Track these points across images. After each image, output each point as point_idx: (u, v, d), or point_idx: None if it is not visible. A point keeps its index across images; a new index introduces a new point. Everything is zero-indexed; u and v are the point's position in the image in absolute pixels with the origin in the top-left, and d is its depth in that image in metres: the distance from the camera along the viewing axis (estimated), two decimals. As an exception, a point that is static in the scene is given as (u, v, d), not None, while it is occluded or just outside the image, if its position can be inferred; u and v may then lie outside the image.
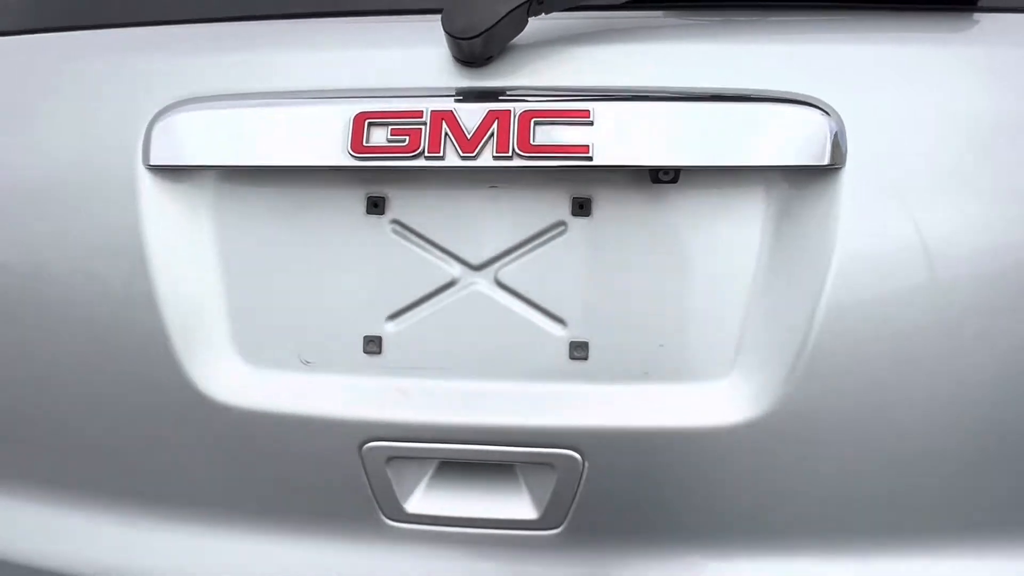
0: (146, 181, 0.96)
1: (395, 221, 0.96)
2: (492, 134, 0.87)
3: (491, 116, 0.87)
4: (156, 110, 0.97)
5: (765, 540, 0.93)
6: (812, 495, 0.91)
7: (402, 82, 0.93)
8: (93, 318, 0.98)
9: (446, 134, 0.87)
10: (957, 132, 0.88)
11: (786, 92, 0.88)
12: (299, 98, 0.94)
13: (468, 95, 0.91)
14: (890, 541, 0.92)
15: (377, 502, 0.96)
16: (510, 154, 0.86)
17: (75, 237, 0.98)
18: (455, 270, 0.95)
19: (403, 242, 0.96)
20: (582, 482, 0.92)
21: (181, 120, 0.95)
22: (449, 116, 0.88)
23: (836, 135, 0.86)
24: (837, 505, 0.91)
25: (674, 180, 0.90)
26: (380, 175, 0.96)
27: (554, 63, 0.92)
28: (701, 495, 0.92)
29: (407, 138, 0.88)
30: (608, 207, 0.93)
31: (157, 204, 0.97)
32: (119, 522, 1.04)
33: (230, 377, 0.97)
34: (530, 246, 0.94)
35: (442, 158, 0.87)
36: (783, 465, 0.90)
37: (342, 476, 0.95)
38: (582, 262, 0.94)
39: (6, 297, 1.00)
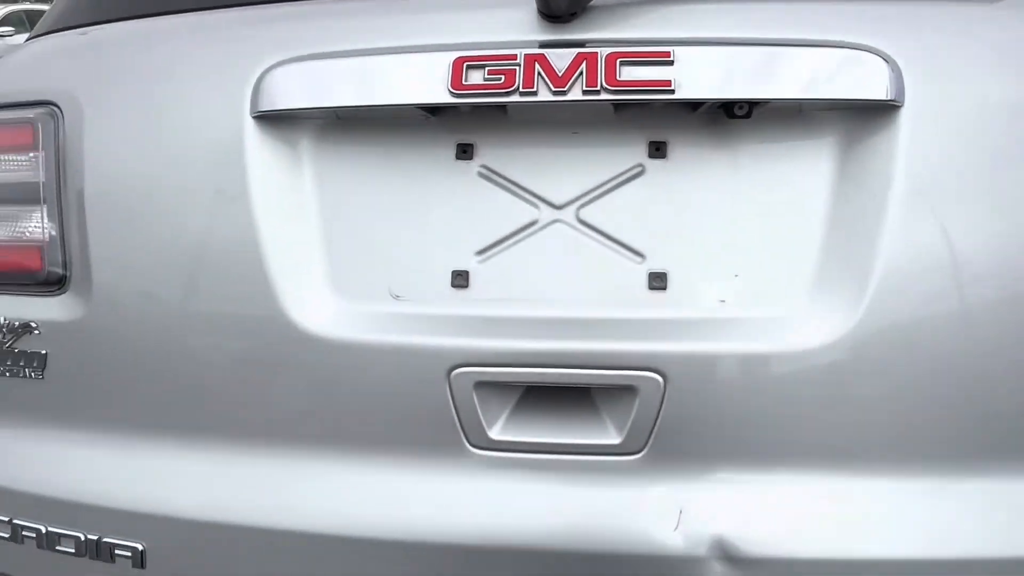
0: (252, 131, 1.04)
1: (483, 166, 1.03)
2: (581, 73, 0.95)
3: (579, 57, 0.95)
4: (263, 69, 1.06)
5: (840, 459, 0.95)
6: (884, 414, 0.94)
7: (494, 38, 1.02)
8: (201, 257, 1.04)
9: (539, 73, 0.95)
10: (1007, 78, 0.95)
11: (850, 42, 0.96)
12: (398, 52, 1.03)
13: (557, 44, 0.99)
14: (958, 459, 0.94)
15: (463, 429, 0.99)
16: (598, 88, 0.94)
17: (189, 185, 1.06)
18: (539, 209, 1.02)
19: (490, 185, 1.03)
20: (663, 405, 0.95)
21: (287, 71, 1.04)
22: (541, 58, 0.96)
23: (894, 77, 0.94)
24: (909, 424, 0.94)
25: (747, 115, 0.97)
26: (469, 124, 1.04)
27: (633, 18, 1.01)
28: (778, 416, 0.95)
29: (502, 77, 0.96)
30: (683, 148, 1.01)
31: (261, 152, 1.04)
32: (213, 459, 1.07)
33: (324, 311, 1.03)
34: (610, 186, 1.01)
35: (535, 93, 0.95)
36: (855, 386, 0.94)
37: (430, 404, 0.99)
38: (659, 200, 1.00)
39: (126, 241, 1.07)
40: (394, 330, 1.01)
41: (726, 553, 0.95)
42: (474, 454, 1.00)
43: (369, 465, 1.03)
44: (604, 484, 0.98)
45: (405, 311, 1.02)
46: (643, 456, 0.97)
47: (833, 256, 0.96)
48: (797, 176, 0.98)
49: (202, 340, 1.06)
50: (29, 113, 1.15)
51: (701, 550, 0.95)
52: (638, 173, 1.01)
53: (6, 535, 1.15)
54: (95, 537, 1.09)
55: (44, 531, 1.12)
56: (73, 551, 1.11)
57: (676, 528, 0.95)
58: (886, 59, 0.95)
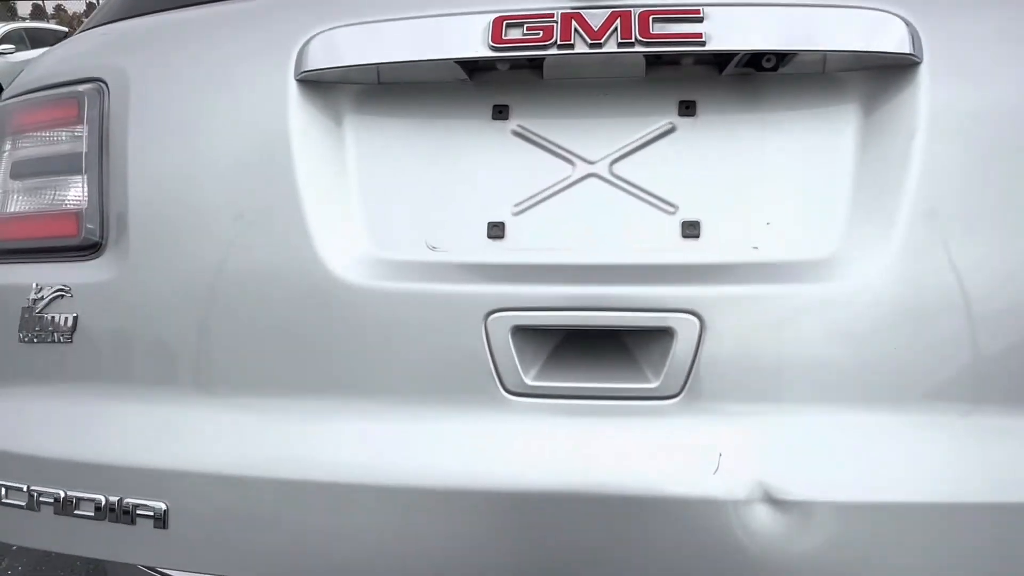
0: (295, 96, 1.08)
1: (519, 125, 1.07)
2: (615, 28, 0.99)
3: (614, 15, 1.00)
4: (307, 37, 1.10)
5: (878, 398, 0.95)
6: (921, 352, 0.94)
7: (530, 4, 1.07)
8: (242, 216, 1.06)
9: (575, 28, 1.00)
10: (1019, 32, 1.00)
11: (871, 6, 1.02)
12: (439, 16, 1.08)
13: (591, 6, 1.04)
14: (1001, 399, 0.94)
15: (498, 375, 0.99)
16: (632, 41, 0.99)
17: (234, 149, 1.09)
18: (573, 165, 1.05)
19: (525, 143, 1.07)
20: (700, 348, 0.96)
21: (330, 36, 1.08)
22: (577, 16, 1.01)
23: (914, 35, 0.99)
24: (944, 362, 0.94)
25: (775, 68, 1.02)
26: (504, 86, 1.08)
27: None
28: (815, 356, 0.95)
29: (540, 32, 1.00)
30: (712, 107, 1.05)
31: (304, 115, 1.08)
32: (244, 414, 1.06)
33: (362, 262, 1.04)
34: (641, 143, 1.05)
35: (572, 47, 1.00)
36: (893, 325, 0.95)
37: (466, 350, 0.99)
38: (690, 156, 1.04)
39: (167, 203, 1.10)
40: (431, 278, 1.02)
41: (766, 496, 0.93)
42: (510, 400, 0.99)
43: (403, 415, 1.02)
44: (641, 429, 0.98)
45: (442, 260, 1.03)
46: (680, 400, 0.97)
47: (863, 203, 0.99)
48: (823, 131, 1.02)
49: (241, 296, 1.07)
50: (79, 88, 1.19)
51: (740, 493, 0.94)
52: (669, 130, 1.05)
53: (22, 503, 1.12)
54: (116, 499, 1.07)
55: (63, 496, 1.10)
56: (92, 515, 1.08)
57: (715, 471, 0.94)
58: (905, 21, 1.00)
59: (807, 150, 1.02)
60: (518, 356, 0.99)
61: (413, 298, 1.01)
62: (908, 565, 0.93)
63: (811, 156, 1.01)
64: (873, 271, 0.95)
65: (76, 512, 1.09)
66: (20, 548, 2.49)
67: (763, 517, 0.93)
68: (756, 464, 0.94)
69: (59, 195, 1.19)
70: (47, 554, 2.46)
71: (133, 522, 1.06)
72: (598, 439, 0.98)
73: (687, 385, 0.97)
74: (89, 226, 1.15)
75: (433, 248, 1.04)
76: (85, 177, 1.17)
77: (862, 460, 0.95)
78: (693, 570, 0.94)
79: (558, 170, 1.05)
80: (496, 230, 1.04)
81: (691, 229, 1.01)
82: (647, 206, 1.03)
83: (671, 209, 1.02)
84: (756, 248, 1.00)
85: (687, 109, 1.05)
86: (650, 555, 0.94)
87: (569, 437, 0.98)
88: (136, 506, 1.06)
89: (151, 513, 1.06)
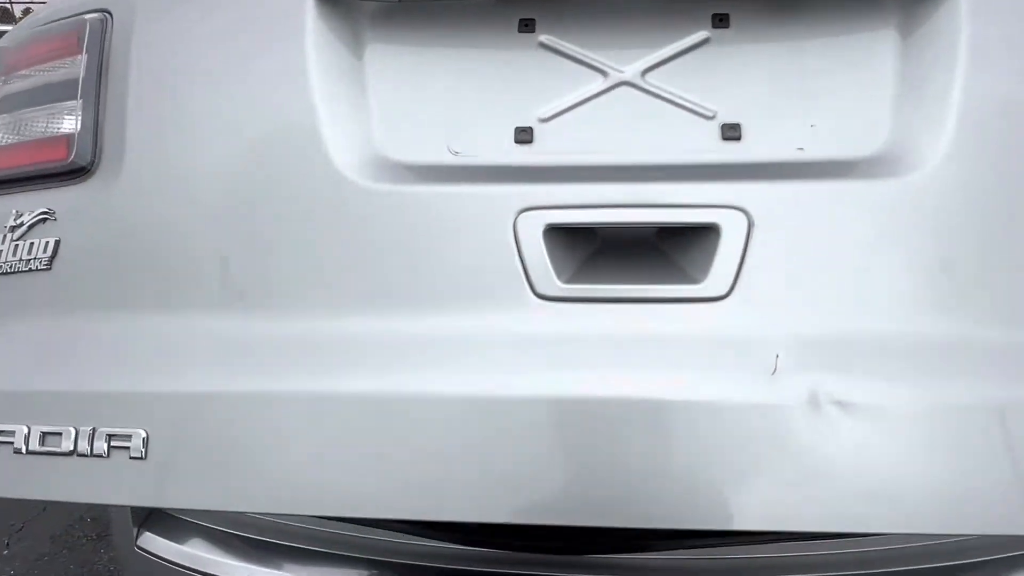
0: (313, 13, 1.03)
1: (546, 38, 1.02)
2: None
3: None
4: None
5: (930, 297, 0.88)
6: (963, 246, 0.88)
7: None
8: (254, 131, 0.99)
9: (608, -70, 0.98)
10: None
11: None
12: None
13: None
14: None
15: (529, 278, 0.90)
16: (666, -59, 0.96)
17: (249, 64, 1.02)
18: (605, 75, 1.00)
19: (553, 55, 1.02)
20: (749, 245, 0.89)
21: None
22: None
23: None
24: (985, 251, 0.88)
25: None
26: (529, 1, 1.04)
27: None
28: (868, 255, 0.88)
29: (573, -67, 0.98)
30: (745, 19, 1.01)
31: (322, 32, 1.02)
32: (238, 328, 0.95)
33: (379, 167, 0.97)
34: (674, 53, 1.00)
35: (606, -55, 0.97)
36: (950, 216, 0.89)
37: (494, 251, 0.91)
38: (726, 65, 0.99)
39: (176, 116, 1.02)
40: (453, 179, 0.94)
41: (827, 398, 0.84)
42: (541, 305, 0.90)
43: (427, 324, 0.92)
44: (689, 332, 0.88)
45: (466, 163, 0.96)
46: (730, 300, 0.89)
47: (907, 105, 0.94)
48: (863, 33, 0.99)
49: (249, 210, 0.98)
50: (83, 18, 1.14)
51: (799, 396, 0.84)
52: (702, 41, 1.01)
53: None
54: (88, 428, 0.94)
55: (26, 432, 0.96)
56: (61, 450, 0.94)
57: (774, 373, 0.85)
58: None
59: (846, 54, 0.98)
60: (551, 259, 0.90)
61: (434, 199, 0.93)
62: (968, 468, 0.83)
63: (851, 59, 0.98)
64: (925, 168, 0.89)
65: (42, 448, 0.95)
66: (10, 552, 2.29)
67: (823, 421, 0.83)
68: (815, 366, 0.85)
69: (52, 122, 1.11)
70: (39, 558, 2.25)
71: (108, 454, 0.93)
72: (639, 345, 0.88)
73: (736, 284, 0.88)
74: (81, 149, 1.07)
75: (456, 153, 0.97)
76: (80, 102, 1.09)
77: (919, 361, 0.86)
78: (750, 476, 0.83)
79: (588, 80, 1.00)
80: (524, 135, 0.97)
81: (732, 131, 0.95)
82: (683, 111, 0.97)
83: (709, 113, 0.97)
84: (801, 149, 0.94)
85: (720, 22, 1.01)
86: (702, 461, 0.83)
87: (608, 343, 0.89)
88: (111, 436, 0.93)
89: (126, 444, 0.92)
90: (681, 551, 1.30)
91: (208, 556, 1.27)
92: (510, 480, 0.85)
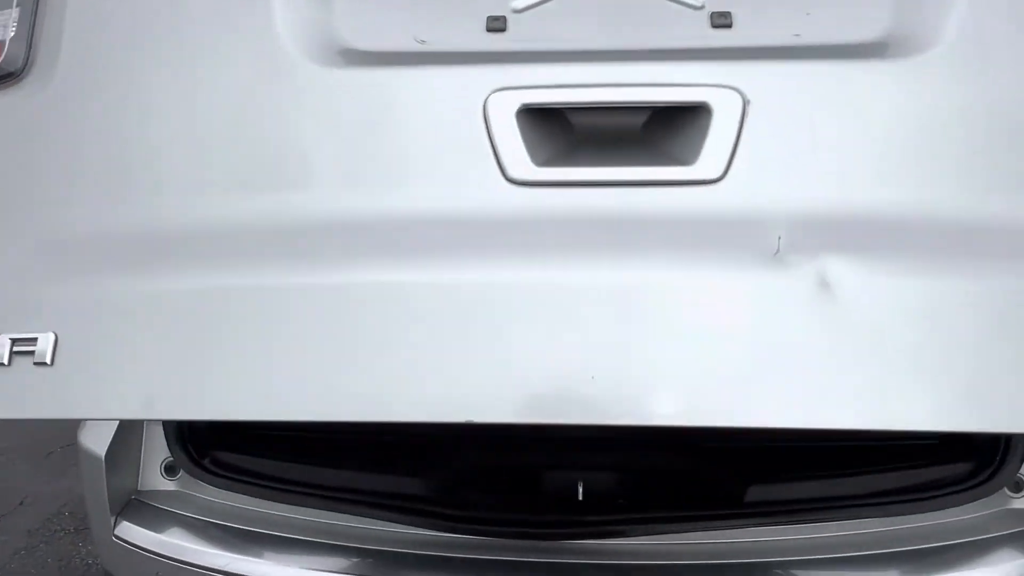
0: None
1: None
2: None
3: None
4: None
5: (933, 178, 0.79)
6: (973, 126, 0.80)
7: None
8: (204, 30, 0.91)
9: None
10: None
11: None
12: None
13: None
14: None
15: (499, 162, 0.80)
16: None
17: None
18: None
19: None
20: (743, 125, 0.80)
21: None
22: None
23: None
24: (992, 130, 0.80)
25: None
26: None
27: None
28: (873, 134, 0.80)
29: None
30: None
31: None
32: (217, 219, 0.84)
33: (338, 53, 0.88)
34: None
35: None
36: (952, 98, 0.81)
37: (462, 134, 0.81)
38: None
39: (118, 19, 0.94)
40: (419, 63, 0.85)
41: (832, 279, 0.74)
42: (513, 191, 0.80)
43: (392, 208, 0.81)
44: (682, 216, 0.79)
45: (433, 49, 0.87)
46: (723, 182, 0.79)
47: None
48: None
49: (194, 99, 0.88)
50: None
51: (803, 276, 0.74)
52: (687, -64, 0.94)
53: None
54: (-11, 335, 0.81)
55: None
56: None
57: (776, 254, 0.75)
58: None
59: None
60: (525, 142, 0.81)
61: (394, 81, 0.84)
62: (971, 342, 0.74)
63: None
64: (927, 48, 0.82)
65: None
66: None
67: (827, 300, 0.73)
68: (817, 247, 0.76)
69: None
70: (16, 553, 2.21)
71: (8, 363, 0.80)
72: (626, 230, 0.78)
73: (731, 166, 0.79)
74: (11, 55, 0.97)
75: (422, 42, 0.89)
76: (17, 11, 1.01)
77: (925, 241, 0.77)
78: (753, 358, 0.72)
79: (565, -28, 0.93)
80: (497, 23, 0.89)
81: (722, 19, 0.88)
82: (669, 2, 0.90)
83: (697, 3, 0.89)
84: (798, 35, 0.86)
85: (705, -81, 0.95)
86: (700, 343, 0.72)
87: (589, 231, 0.78)
88: (13, 341, 0.80)
89: (30, 348, 0.80)
90: (665, 536, 1.20)
91: (186, 545, 1.24)
92: (491, 376, 0.74)
